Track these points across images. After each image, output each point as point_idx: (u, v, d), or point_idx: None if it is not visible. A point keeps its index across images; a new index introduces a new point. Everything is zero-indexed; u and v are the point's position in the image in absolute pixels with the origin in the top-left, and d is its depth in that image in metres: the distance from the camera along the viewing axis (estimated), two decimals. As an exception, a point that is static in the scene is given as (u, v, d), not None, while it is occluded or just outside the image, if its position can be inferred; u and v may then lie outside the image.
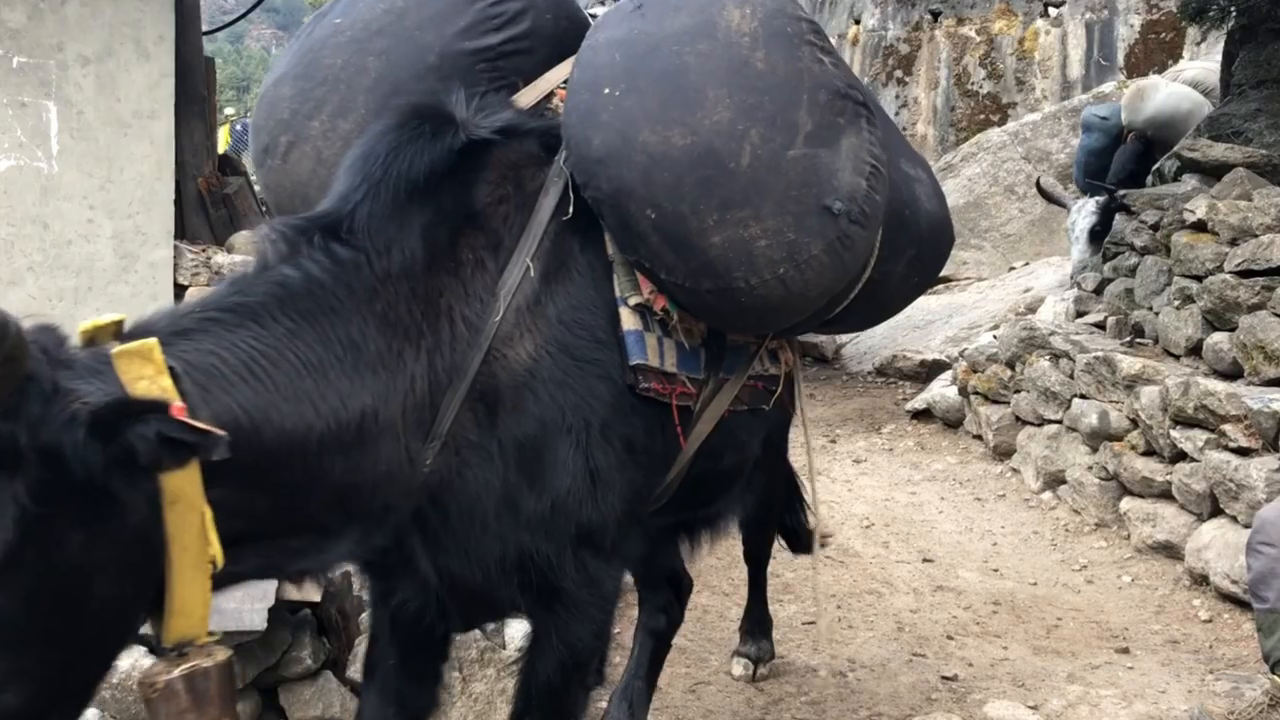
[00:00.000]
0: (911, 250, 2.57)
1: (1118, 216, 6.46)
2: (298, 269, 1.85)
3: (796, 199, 2.08)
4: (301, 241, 1.89)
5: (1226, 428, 4.30)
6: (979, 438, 6.55)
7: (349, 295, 1.87)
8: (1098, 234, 7.57)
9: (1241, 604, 4.08)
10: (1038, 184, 8.62)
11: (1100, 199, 7.66)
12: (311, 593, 2.80)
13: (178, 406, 1.49)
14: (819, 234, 2.10)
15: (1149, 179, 6.82)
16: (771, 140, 2.07)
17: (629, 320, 2.17)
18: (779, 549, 3.71)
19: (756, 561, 3.65)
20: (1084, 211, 7.73)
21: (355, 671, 2.92)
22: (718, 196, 2.05)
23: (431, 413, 1.93)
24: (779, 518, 3.57)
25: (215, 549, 1.58)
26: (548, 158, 2.21)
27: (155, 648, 2.21)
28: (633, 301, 2.17)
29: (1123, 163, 7.85)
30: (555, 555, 2.09)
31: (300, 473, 1.74)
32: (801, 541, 3.69)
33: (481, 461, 1.99)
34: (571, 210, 2.14)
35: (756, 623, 3.74)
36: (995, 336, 6.71)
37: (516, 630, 3.15)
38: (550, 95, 2.38)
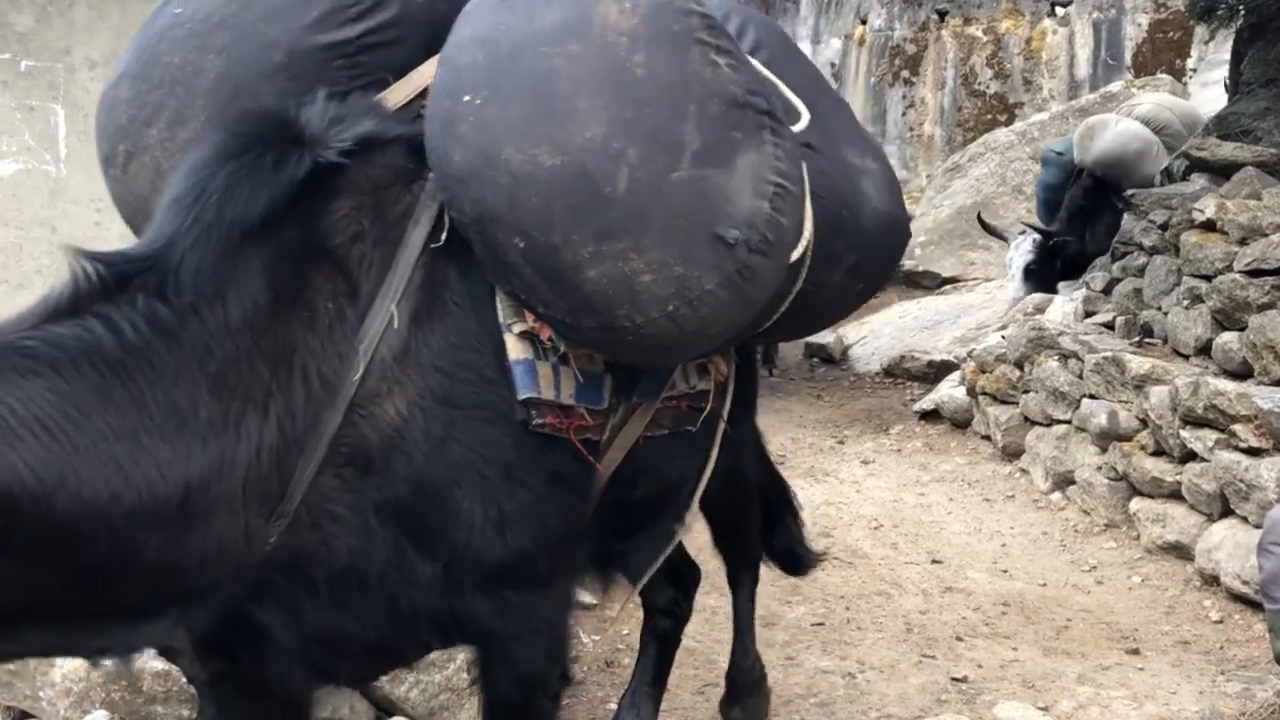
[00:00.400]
0: (852, 256, 2.25)
1: (1125, 216, 6.45)
2: (111, 323, 1.63)
3: (684, 228, 1.80)
4: (119, 289, 1.68)
5: (1236, 428, 4.28)
6: (987, 438, 6.53)
7: (174, 353, 1.66)
8: (1033, 272, 7.74)
9: (1253, 604, 4.06)
10: (978, 217, 8.71)
11: (1037, 238, 7.79)
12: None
13: None
14: (712, 267, 1.82)
15: (1157, 178, 6.79)
16: (652, 161, 1.78)
17: (516, 349, 1.93)
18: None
19: (736, 588, 3.27)
20: (1021, 249, 7.83)
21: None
22: (593, 225, 1.77)
23: (281, 484, 1.73)
24: (760, 541, 3.25)
25: None
26: (418, 170, 1.96)
27: (162, 651, 2.20)
28: (517, 329, 1.94)
29: (1073, 200, 7.76)
30: (463, 606, 1.93)
31: (105, 548, 1.54)
32: (797, 562, 3.37)
33: (352, 532, 1.81)
34: (446, 234, 1.91)
35: (743, 673, 3.25)
36: (1003, 337, 6.70)
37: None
38: (425, 92, 2.07)
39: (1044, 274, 7.78)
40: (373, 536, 1.82)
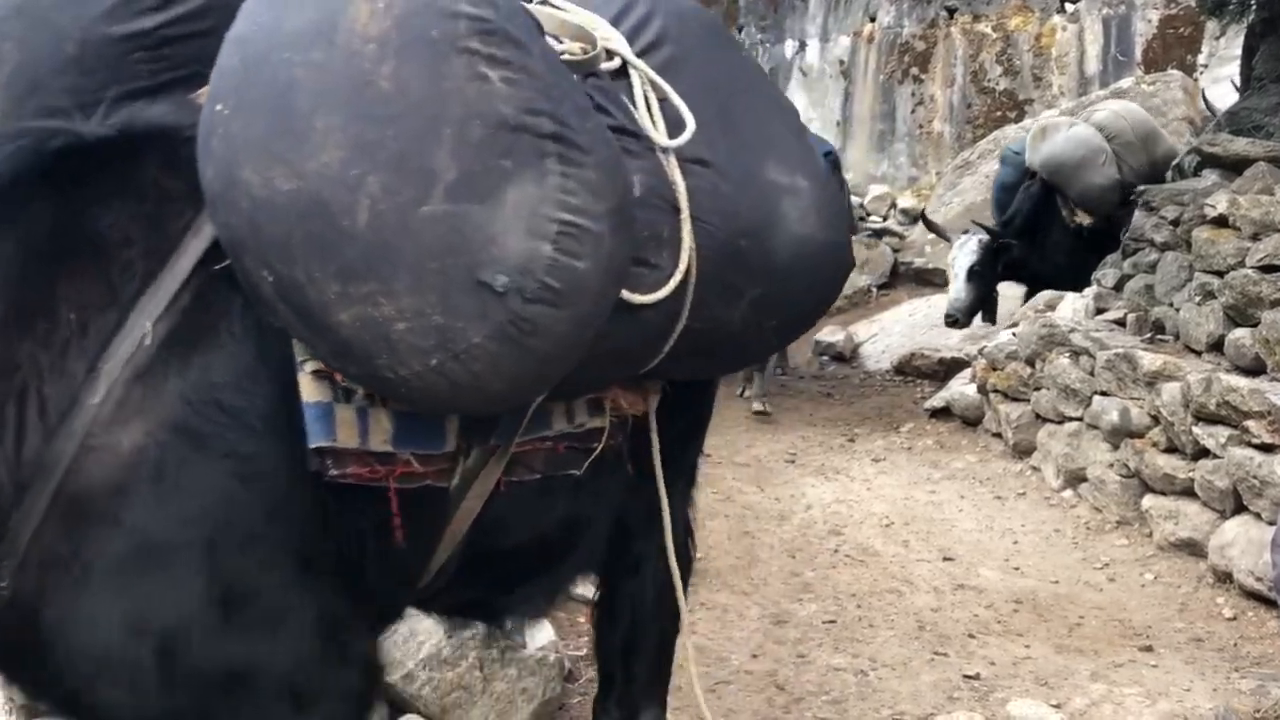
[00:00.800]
0: (756, 290, 1.96)
1: (1137, 212, 6.42)
2: None
3: (438, 272, 1.53)
4: None
5: (1249, 424, 4.27)
6: (998, 436, 6.52)
7: None
8: (976, 273, 7.64)
9: (1266, 601, 4.05)
10: (922, 215, 8.62)
11: (983, 238, 7.67)
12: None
13: None
14: (478, 318, 1.55)
15: (1169, 174, 6.77)
16: (397, 192, 1.52)
17: (311, 390, 1.66)
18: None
19: (646, 661, 2.61)
20: (965, 249, 7.72)
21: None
22: (334, 263, 1.52)
23: (1, 525, 1.52)
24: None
25: None
26: None
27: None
28: (309, 368, 1.67)
29: (1022, 201, 7.64)
30: (180, 712, 1.64)
31: None
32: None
33: (70, 585, 1.56)
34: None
35: None
36: (1014, 334, 6.68)
37: (536, 630, 3.16)
38: None
39: (988, 275, 7.71)
40: (85, 595, 1.56)
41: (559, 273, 1.58)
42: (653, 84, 1.92)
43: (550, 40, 1.83)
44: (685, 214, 1.84)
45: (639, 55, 1.96)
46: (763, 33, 14.64)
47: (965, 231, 7.98)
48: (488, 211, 1.55)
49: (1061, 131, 7.47)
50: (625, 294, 1.76)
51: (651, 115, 1.88)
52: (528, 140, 1.58)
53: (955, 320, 7.82)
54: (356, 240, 1.52)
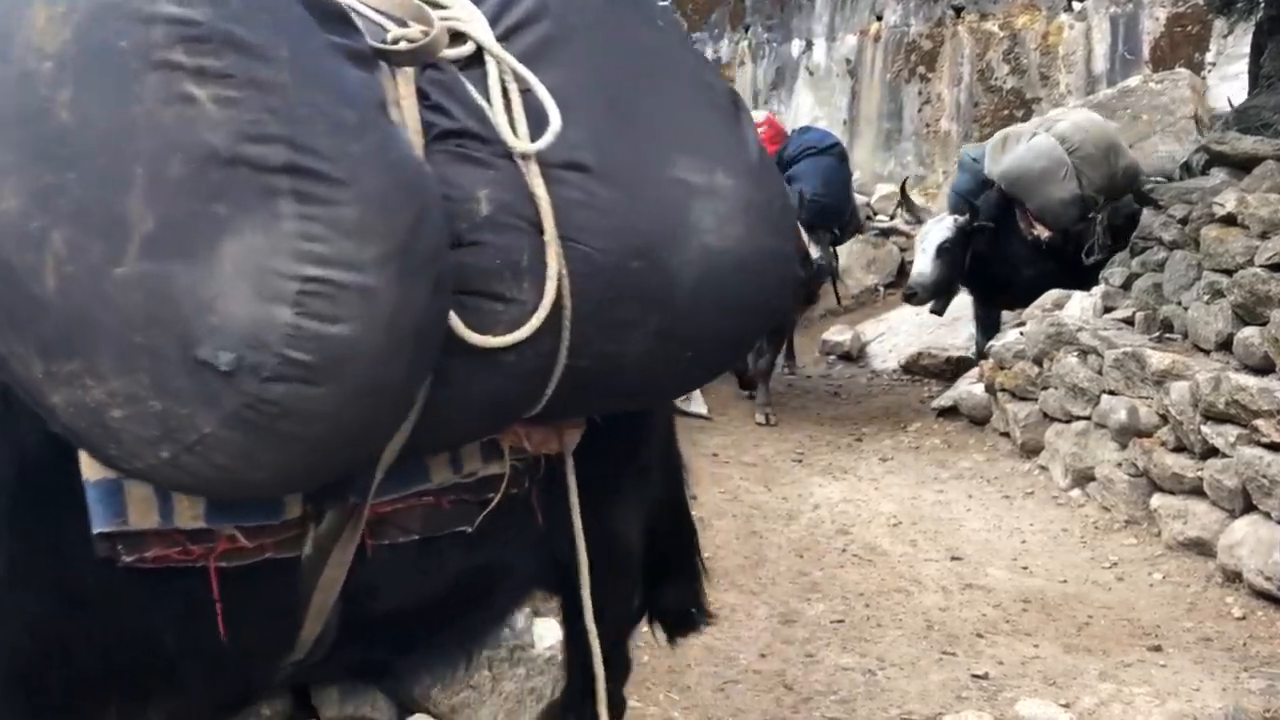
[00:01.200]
0: (658, 319, 1.61)
1: (1145, 211, 6.40)
2: None
3: (144, 348, 1.24)
4: None
5: (1258, 423, 4.26)
6: (1006, 435, 6.51)
7: None
8: (946, 250, 7.31)
9: (1275, 601, 4.05)
10: (901, 188, 8.26)
11: (960, 219, 7.38)
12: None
13: None
14: (204, 403, 1.26)
15: (1177, 172, 6.75)
16: (85, 250, 1.22)
17: (93, 467, 1.43)
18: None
19: None
20: (940, 225, 7.41)
21: (386, 671, 2.94)
22: (32, 337, 1.26)
23: None
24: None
25: None
26: None
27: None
28: None
29: (983, 211, 7.37)
30: None
31: None
32: (686, 622, 2.63)
33: None
34: None
35: None
36: (1022, 333, 6.67)
37: (545, 629, 3.16)
38: None
39: (958, 257, 7.39)
40: None
41: (306, 343, 1.26)
42: (516, 74, 1.58)
43: (377, 25, 1.55)
44: (550, 234, 1.51)
45: (505, 36, 1.63)
46: (769, 32, 14.63)
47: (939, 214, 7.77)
48: (199, 270, 1.23)
49: (1023, 142, 7.26)
50: (472, 337, 1.48)
51: (511, 113, 1.56)
52: (247, 176, 1.25)
53: (915, 294, 7.48)
54: (49, 309, 1.24)
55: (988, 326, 7.70)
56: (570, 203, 1.54)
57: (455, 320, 1.46)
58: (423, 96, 1.54)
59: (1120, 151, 7.16)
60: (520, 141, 1.54)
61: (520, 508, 1.84)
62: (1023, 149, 7.15)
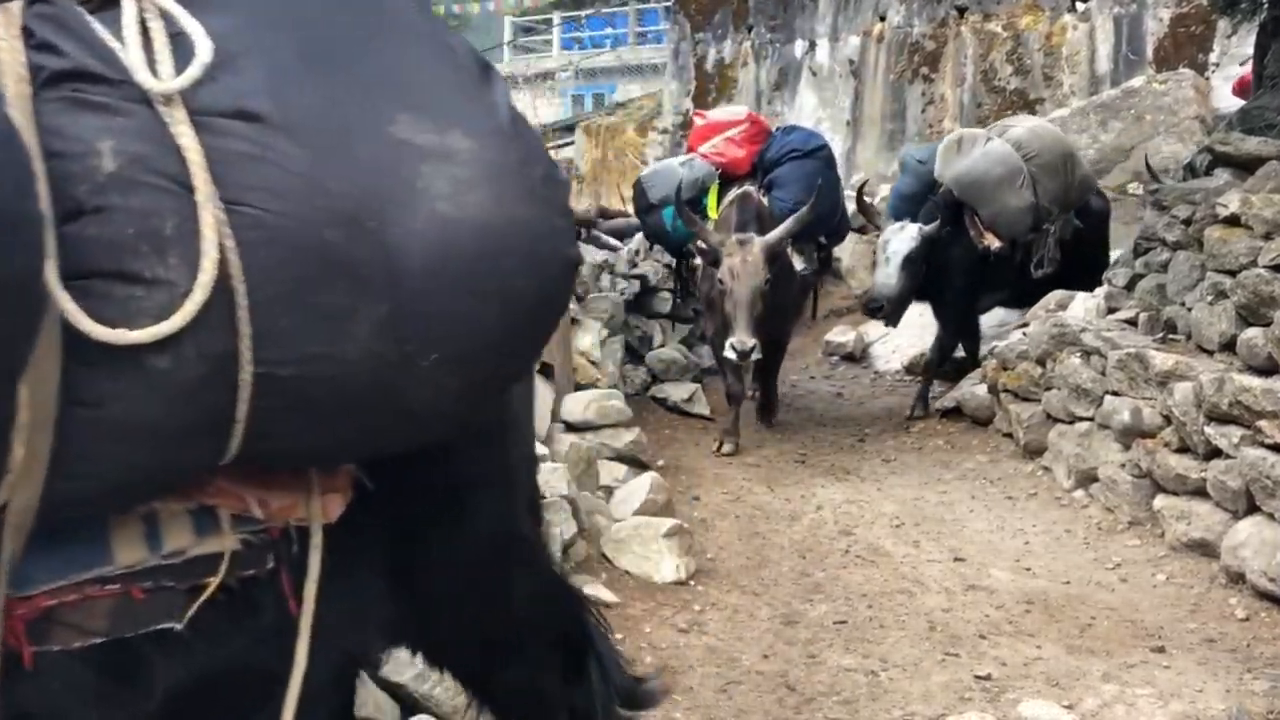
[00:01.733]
0: (376, 306, 1.26)
1: (1148, 212, 6.39)
2: None
3: None
4: None
5: (1262, 424, 4.25)
6: (1009, 436, 6.50)
7: None
8: (911, 261, 6.93)
9: (1279, 602, 4.04)
10: (858, 194, 7.83)
11: (925, 227, 6.99)
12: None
13: None
14: None
15: (1181, 173, 6.74)
16: None
17: None
18: None
19: None
20: (904, 235, 7.00)
21: (388, 672, 2.94)
22: None
23: None
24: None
25: None
26: None
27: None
28: None
29: (929, 213, 7.03)
30: None
31: None
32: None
33: None
34: None
35: None
36: (1025, 334, 6.67)
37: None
38: None
39: (920, 268, 7.01)
40: None
41: None
42: (162, 11, 1.28)
43: None
44: (205, 193, 1.19)
45: None
46: (772, 33, 14.63)
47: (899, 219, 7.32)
48: None
49: (978, 148, 6.95)
50: (96, 330, 1.14)
51: (152, 52, 1.24)
52: None
53: (880, 308, 7.05)
54: None
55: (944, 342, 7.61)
56: (234, 155, 1.22)
57: (73, 309, 1.12)
58: (28, 35, 1.21)
59: (1077, 162, 7.02)
60: (159, 81, 1.22)
61: (266, 594, 1.42)
62: (978, 154, 6.87)
